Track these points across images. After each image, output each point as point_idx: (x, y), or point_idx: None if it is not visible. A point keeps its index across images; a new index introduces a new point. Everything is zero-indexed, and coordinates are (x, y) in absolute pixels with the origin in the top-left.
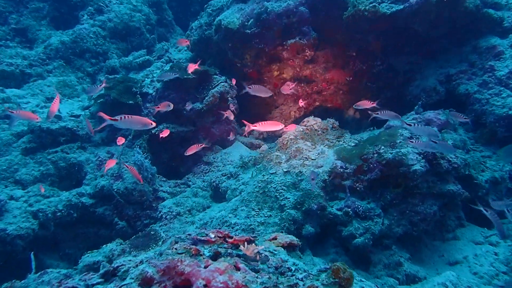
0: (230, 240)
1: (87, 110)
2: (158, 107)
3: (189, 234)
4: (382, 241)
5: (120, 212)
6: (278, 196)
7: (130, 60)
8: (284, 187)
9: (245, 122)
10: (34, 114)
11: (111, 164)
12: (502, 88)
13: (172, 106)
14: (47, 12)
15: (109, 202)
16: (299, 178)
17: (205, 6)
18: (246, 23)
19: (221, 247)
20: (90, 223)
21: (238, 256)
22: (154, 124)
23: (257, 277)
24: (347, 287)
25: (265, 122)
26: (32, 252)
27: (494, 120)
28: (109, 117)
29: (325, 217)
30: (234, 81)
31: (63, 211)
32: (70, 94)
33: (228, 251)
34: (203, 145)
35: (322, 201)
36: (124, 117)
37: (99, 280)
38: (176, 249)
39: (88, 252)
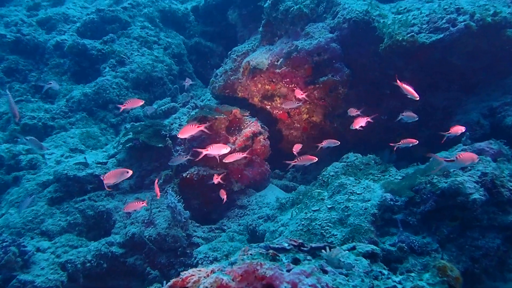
0: (305, 249)
1: (113, 158)
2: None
3: (259, 244)
4: None
5: (152, 261)
6: (324, 233)
7: (155, 108)
8: (330, 224)
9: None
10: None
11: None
12: None
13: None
14: (68, 67)
15: (140, 251)
16: (346, 213)
17: (229, 52)
18: (276, 63)
19: (298, 255)
20: (120, 274)
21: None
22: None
23: (348, 280)
24: (457, 287)
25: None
26: None
27: None
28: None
29: None
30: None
31: (92, 261)
32: (94, 145)
33: (307, 258)
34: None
35: (373, 236)
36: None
37: None
38: (251, 254)
39: None
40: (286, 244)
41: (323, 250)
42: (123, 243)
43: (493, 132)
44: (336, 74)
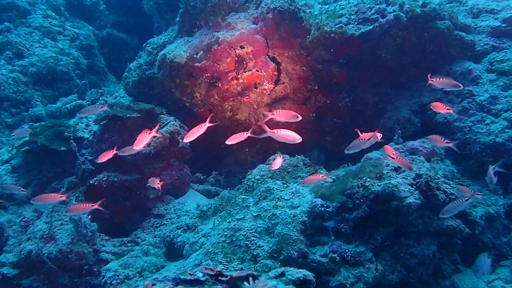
0: (224, 279)
1: (8, 164)
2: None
3: (167, 276)
4: None
5: (52, 282)
6: (250, 245)
7: (59, 106)
8: (256, 234)
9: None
10: None
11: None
12: (485, 114)
13: None
14: None
15: (38, 271)
16: (273, 222)
17: (144, 45)
18: (195, 56)
19: None
20: None
21: None
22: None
23: None
24: None
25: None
26: None
27: (480, 150)
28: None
29: (307, 266)
30: None
31: None
32: None
33: None
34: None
35: (302, 246)
36: None
37: None
38: None
39: None
40: (200, 274)
41: (245, 282)
42: (18, 262)
43: (424, 129)
44: (261, 68)
